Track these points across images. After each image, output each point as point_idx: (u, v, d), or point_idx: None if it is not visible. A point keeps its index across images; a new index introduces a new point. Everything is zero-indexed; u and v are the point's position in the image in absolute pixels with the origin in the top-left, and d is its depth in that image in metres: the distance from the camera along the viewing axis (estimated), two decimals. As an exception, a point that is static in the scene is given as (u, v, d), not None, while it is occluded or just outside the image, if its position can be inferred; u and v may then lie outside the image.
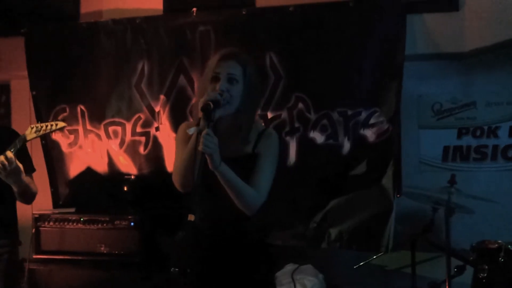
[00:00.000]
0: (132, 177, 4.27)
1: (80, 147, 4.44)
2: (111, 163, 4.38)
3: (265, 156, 2.37)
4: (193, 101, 3.90)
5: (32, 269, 3.93)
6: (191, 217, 2.13)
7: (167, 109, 4.22)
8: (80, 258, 3.91)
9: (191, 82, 4.15)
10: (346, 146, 3.91)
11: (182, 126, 2.50)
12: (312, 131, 3.96)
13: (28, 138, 3.06)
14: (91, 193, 4.37)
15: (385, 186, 3.82)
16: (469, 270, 3.50)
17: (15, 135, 3.13)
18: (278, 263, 3.95)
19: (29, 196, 3.17)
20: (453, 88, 4.22)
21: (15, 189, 3.05)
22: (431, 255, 3.93)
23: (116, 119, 4.34)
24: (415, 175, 4.18)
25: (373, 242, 3.83)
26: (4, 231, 3.17)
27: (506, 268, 3.36)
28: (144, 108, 4.28)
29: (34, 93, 4.47)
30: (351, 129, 3.88)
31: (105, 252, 3.89)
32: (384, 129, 3.83)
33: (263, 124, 3.72)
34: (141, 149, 4.31)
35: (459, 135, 4.21)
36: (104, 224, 3.91)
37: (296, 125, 3.98)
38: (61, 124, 3.17)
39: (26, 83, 4.52)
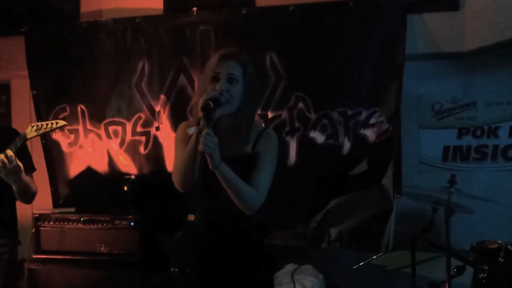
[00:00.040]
0: (132, 177, 4.27)
1: (80, 146, 4.44)
2: (111, 162, 4.38)
3: (264, 156, 2.37)
4: (193, 101, 3.89)
5: (32, 268, 3.93)
6: (191, 217, 2.13)
7: (167, 108, 4.22)
8: (80, 258, 3.91)
9: (191, 81, 4.15)
10: (346, 146, 3.91)
11: (181, 126, 2.50)
12: (312, 131, 3.96)
13: (28, 136, 3.06)
14: (91, 192, 4.37)
15: (385, 186, 3.82)
16: (469, 270, 3.50)
17: (15, 134, 3.13)
18: (278, 263, 3.95)
19: (28, 196, 3.16)
20: (453, 88, 4.22)
21: (14, 188, 3.04)
22: (431, 255, 3.93)
23: (117, 119, 4.34)
24: (415, 175, 4.18)
25: (373, 242, 3.83)
26: (4, 231, 3.17)
27: (506, 268, 3.35)
28: (145, 108, 4.28)
29: (34, 92, 4.48)
30: (351, 129, 3.88)
31: (105, 252, 3.88)
32: (384, 129, 3.83)
33: (263, 125, 3.73)
34: (141, 149, 4.31)
35: (459, 135, 4.20)
36: (104, 224, 3.91)
37: (296, 125, 3.98)
38: (61, 122, 3.16)
39: (26, 82, 4.52)
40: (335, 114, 3.91)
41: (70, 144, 4.45)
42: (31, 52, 4.45)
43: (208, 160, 2.18)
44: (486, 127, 4.16)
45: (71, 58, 4.40)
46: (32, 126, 3.09)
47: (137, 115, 4.30)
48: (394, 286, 4.05)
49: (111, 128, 4.36)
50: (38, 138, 4.26)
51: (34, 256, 3.95)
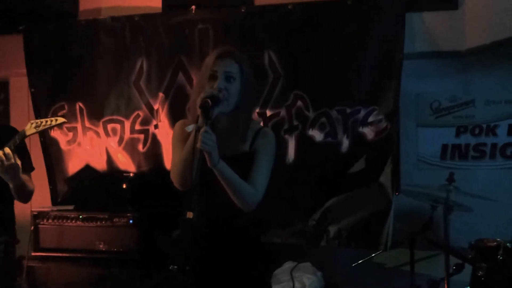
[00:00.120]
0: (131, 174, 4.28)
1: (79, 144, 4.44)
2: (110, 160, 4.38)
3: (262, 155, 2.37)
4: (191, 99, 3.89)
5: (31, 266, 3.94)
6: (189, 215, 2.13)
7: (166, 106, 4.22)
8: (78, 255, 3.92)
9: (189, 80, 4.15)
10: (345, 144, 3.91)
11: (178, 124, 2.50)
12: (310, 129, 3.96)
13: (27, 133, 3.05)
14: (90, 190, 4.37)
15: (383, 184, 3.82)
16: (468, 268, 3.50)
17: (14, 132, 3.12)
18: (277, 260, 3.96)
19: (25, 194, 3.14)
20: (452, 87, 4.23)
21: (11, 186, 3.03)
22: (430, 253, 3.94)
23: (115, 117, 4.34)
24: (414, 173, 4.19)
25: (372, 240, 3.84)
26: (2, 229, 3.16)
27: (505, 266, 3.35)
28: (143, 106, 4.28)
29: (33, 90, 4.48)
30: (350, 127, 3.89)
31: (104, 249, 3.89)
32: (383, 127, 3.83)
33: (261, 124, 3.73)
34: (140, 147, 4.31)
35: (458, 133, 4.21)
36: (103, 222, 3.91)
37: (295, 123, 3.99)
38: (60, 119, 3.15)
39: (25, 80, 4.52)
40: (333, 113, 3.92)
41: (69, 142, 4.45)
42: (29, 50, 4.45)
43: (207, 158, 2.18)
44: (484, 126, 4.16)
45: (69, 56, 4.40)
46: (32, 123, 3.08)
47: (135, 113, 4.30)
48: (393, 284, 4.05)
49: (109, 126, 4.36)
50: (37, 136, 4.26)
51: (33, 254, 3.96)
